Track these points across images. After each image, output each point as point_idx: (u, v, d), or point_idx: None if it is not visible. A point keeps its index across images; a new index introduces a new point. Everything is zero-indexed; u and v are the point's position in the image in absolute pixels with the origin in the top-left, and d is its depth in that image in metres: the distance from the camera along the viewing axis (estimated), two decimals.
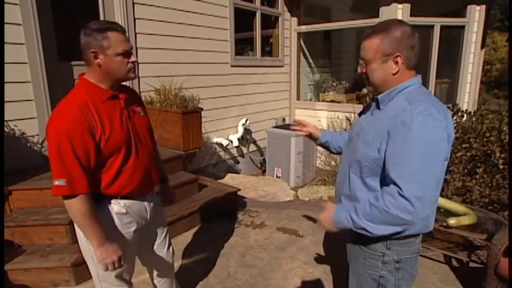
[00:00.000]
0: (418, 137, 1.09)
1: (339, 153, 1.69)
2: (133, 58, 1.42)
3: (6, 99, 2.75)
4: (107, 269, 1.41)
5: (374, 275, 1.32)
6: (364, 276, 1.36)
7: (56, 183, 1.29)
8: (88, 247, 1.46)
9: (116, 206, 1.49)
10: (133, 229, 1.56)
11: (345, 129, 4.81)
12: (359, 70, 1.29)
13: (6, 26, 2.71)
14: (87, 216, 1.34)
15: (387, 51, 1.18)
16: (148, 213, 1.64)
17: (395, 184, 1.11)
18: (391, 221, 1.12)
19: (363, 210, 1.17)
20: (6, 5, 2.70)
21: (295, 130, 1.77)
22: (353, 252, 1.40)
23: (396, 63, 1.19)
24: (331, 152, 1.74)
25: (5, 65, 2.73)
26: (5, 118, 2.80)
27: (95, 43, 1.33)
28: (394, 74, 1.21)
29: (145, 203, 1.62)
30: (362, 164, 1.25)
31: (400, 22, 1.21)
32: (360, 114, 1.46)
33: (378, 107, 1.29)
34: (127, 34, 1.47)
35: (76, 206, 1.32)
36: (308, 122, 1.77)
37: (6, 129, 2.81)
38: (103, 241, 1.38)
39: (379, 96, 1.27)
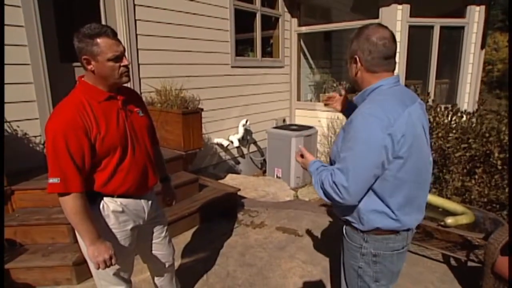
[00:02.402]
0: (356, 134, 1.20)
1: None
2: (125, 62, 1.43)
3: (9, 100, 2.79)
4: (98, 267, 1.43)
5: (354, 266, 1.40)
6: (348, 266, 1.44)
7: (51, 181, 1.32)
8: None
9: (112, 204, 1.52)
10: (129, 227, 1.58)
11: None
12: None
13: (9, 28, 2.75)
14: (80, 214, 1.37)
15: (351, 53, 1.31)
16: (146, 212, 1.66)
17: (336, 168, 1.24)
18: (327, 195, 1.28)
19: (320, 176, 1.32)
20: (8, 7, 2.74)
21: (327, 104, 1.86)
22: (343, 243, 1.48)
23: (355, 64, 1.30)
24: None
25: (8, 66, 2.77)
26: (8, 119, 2.84)
27: (86, 50, 1.36)
28: (355, 75, 1.33)
29: (143, 201, 1.64)
30: (332, 160, 1.37)
31: (370, 26, 1.28)
32: None
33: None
34: (125, 36, 1.49)
35: (69, 204, 1.35)
36: (336, 97, 1.82)
37: (8, 130, 2.85)
38: (94, 240, 1.40)
39: (353, 98, 1.39)
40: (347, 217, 1.37)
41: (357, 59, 1.28)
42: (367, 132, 1.18)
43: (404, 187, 1.26)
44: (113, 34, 1.40)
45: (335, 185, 1.21)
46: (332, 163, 1.38)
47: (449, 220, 2.47)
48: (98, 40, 1.35)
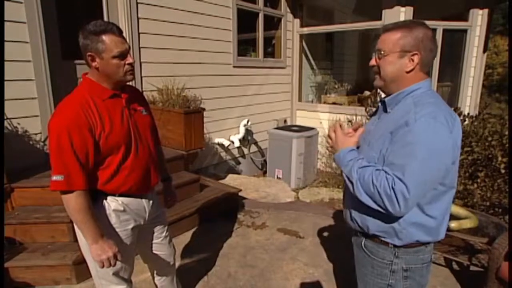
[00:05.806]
0: (420, 139, 1.07)
1: None
2: (129, 60, 1.41)
3: (9, 97, 2.77)
4: (103, 266, 1.42)
5: (381, 284, 1.30)
6: (371, 285, 1.34)
7: (54, 178, 1.30)
8: (87, 244, 1.46)
9: (114, 203, 1.50)
10: (130, 226, 1.57)
11: None
12: (371, 62, 1.25)
13: (10, 24, 2.73)
14: (83, 213, 1.35)
15: (406, 46, 1.17)
16: (147, 212, 1.64)
17: (394, 175, 1.09)
18: (375, 199, 1.12)
19: (362, 173, 1.15)
20: (11, 4, 2.72)
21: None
22: (361, 258, 1.37)
23: (412, 61, 1.17)
24: None
25: (9, 63, 2.74)
26: (8, 116, 2.81)
27: (91, 46, 1.34)
28: (407, 72, 1.19)
29: (144, 201, 1.62)
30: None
31: (424, 24, 1.19)
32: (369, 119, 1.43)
33: (385, 110, 1.28)
34: (127, 34, 1.48)
35: (72, 202, 1.33)
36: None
37: (9, 127, 2.82)
38: (97, 238, 1.38)
39: (386, 99, 1.27)
40: (377, 232, 1.25)
41: (418, 56, 1.16)
42: (435, 138, 1.07)
43: (448, 194, 1.20)
44: (119, 32, 1.39)
45: (393, 193, 1.07)
46: None
47: (453, 224, 2.45)
48: (104, 37, 1.33)
